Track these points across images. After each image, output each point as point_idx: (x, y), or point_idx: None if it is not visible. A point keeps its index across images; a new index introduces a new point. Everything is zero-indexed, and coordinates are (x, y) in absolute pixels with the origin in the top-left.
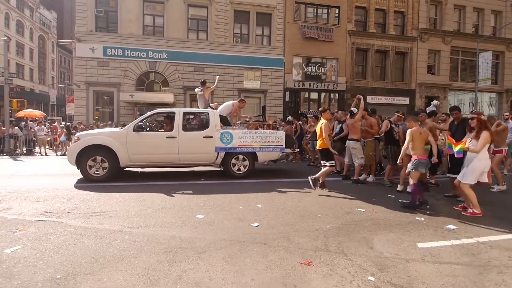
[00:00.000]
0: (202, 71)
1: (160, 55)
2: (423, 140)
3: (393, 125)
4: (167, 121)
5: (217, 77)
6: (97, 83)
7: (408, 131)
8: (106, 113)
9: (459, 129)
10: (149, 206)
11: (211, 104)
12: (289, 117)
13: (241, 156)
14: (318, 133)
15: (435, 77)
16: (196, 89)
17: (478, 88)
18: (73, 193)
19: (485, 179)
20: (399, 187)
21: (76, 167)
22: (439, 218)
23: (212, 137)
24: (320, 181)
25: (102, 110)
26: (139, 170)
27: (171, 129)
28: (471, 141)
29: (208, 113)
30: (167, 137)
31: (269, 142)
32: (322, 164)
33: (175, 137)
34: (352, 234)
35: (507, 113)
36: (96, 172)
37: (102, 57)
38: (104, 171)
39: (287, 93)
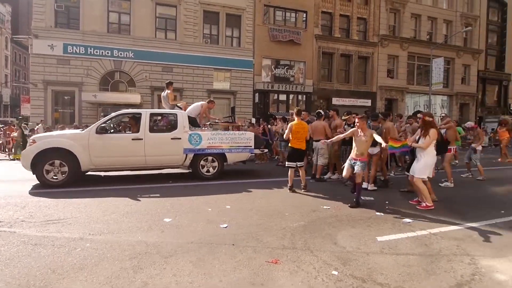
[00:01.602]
0: (170, 71)
1: (126, 54)
2: (367, 144)
3: (345, 126)
4: (133, 123)
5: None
6: (57, 82)
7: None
8: (67, 114)
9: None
10: (112, 211)
11: (179, 104)
12: (252, 119)
13: (210, 158)
14: (293, 134)
15: (394, 81)
16: (163, 93)
17: (431, 91)
18: (28, 200)
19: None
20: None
21: (31, 172)
22: (396, 212)
23: (180, 138)
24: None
25: (62, 111)
26: (102, 173)
27: (137, 131)
28: (419, 138)
29: (176, 114)
30: (132, 139)
31: (238, 143)
32: (296, 164)
33: (142, 139)
34: (317, 231)
35: (411, 119)
36: (54, 177)
37: (62, 54)
38: (63, 176)
39: (257, 94)
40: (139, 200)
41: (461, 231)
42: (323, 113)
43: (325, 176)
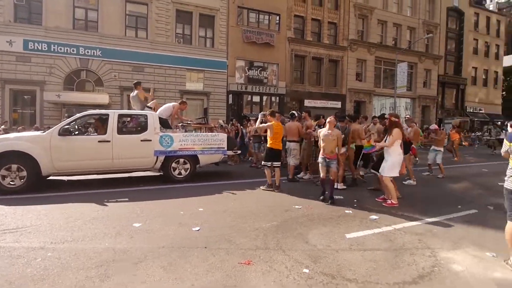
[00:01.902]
0: (141, 71)
1: (93, 52)
2: (335, 142)
3: (316, 127)
4: (100, 124)
5: (153, 87)
6: (16, 81)
7: (321, 133)
8: (27, 114)
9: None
10: (77, 217)
11: (149, 105)
12: (220, 121)
13: (182, 160)
14: (274, 134)
15: (362, 84)
16: (131, 93)
17: (396, 94)
18: None
19: (401, 171)
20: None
21: None
22: (364, 210)
23: (150, 140)
24: (277, 183)
25: (21, 111)
26: (65, 178)
27: (105, 132)
28: (386, 139)
29: (146, 115)
30: (99, 141)
31: (211, 144)
32: (271, 164)
33: (109, 141)
34: (289, 231)
35: (375, 119)
36: (11, 182)
37: (22, 51)
38: (22, 181)
39: (230, 95)
40: (106, 205)
41: (423, 226)
42: (296, 114)
43: (297, 176)
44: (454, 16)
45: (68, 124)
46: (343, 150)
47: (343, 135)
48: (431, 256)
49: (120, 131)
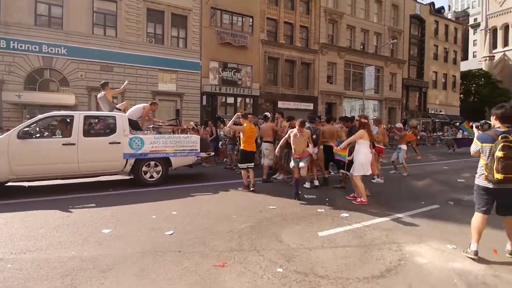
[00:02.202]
0: (110, 70)
1: (58, 50)
2: (305, 142)
3: (289, 128)
4: (64, 126)
5: (126, 82)
6: None
7: (292, 134)
8: None
9: (350, 135)
10: (40, 225)
11: (118, 106)
12: (192, 123)
13: (153, 163)
14: (246, 137)
15: (333, 86)
16: (99, 94)
17: (365, 97)
18: None
19: (370, 171)
20: (307, 184)
21: None
22: (335, 208)
23: (119, 143)
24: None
25: None
26: (26, 184)
27: (69, 135)
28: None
29: (114, 117)
30: (63, 144)
31: (183, 146)
32: (247, 166)
33: (74, 144)
34: (264, 231)
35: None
36: None
37: None
38: None
39: (204, 97)
40: (72, 212)
41: (390, 222)
42: (269, 115)
43: (272, 177)
44: (416, 24)
45: (29, 126)
46: (315, 150)
47: (314, 136)
48: (398, 251)
49: (87, 133)
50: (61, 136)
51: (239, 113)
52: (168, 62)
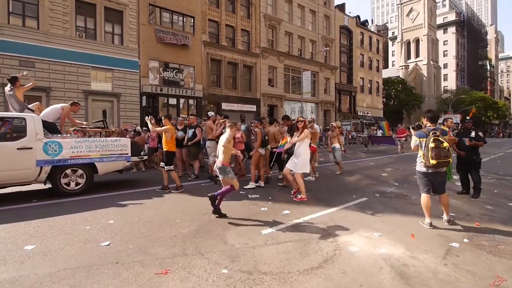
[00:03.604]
0: (32, 66)
1: None
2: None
3: (224, 130)
4: None
5: (25, 72)
6: None
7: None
8: None
9: (291, 133)
10: None
11: (30, 106)
12: (137, 127)
13: (75, 169)
14: (168, 137)
15: (274, 89)
16: (6, 88)
17: (303, 99)
18: None
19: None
20: (250, 185)
21: None
22: (278, 206)
23: (31, 148)
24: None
25: None
26: None
27: None
28: (297, 137)
29: (24, 119)
30: None
31: (111, 150)
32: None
33: None
34: (208, 234)
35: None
36: None
37: None
38: None
39: (144, 97)
40: None
41: (326, 215)
42: (211, 114)
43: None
44: (345, 34)
45: None
46: (261, 151)
47: (267, 137)
48: (333, 242)
49: None
50: None
51: (152, 117)
52: (102, 60)
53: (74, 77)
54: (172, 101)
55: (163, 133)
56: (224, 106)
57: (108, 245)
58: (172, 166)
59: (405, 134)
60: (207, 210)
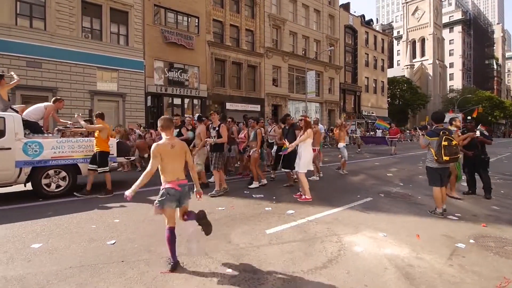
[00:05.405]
0: (39, 67)
1: None
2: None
3: (211, 129)
4: None
5: (12, 72)
6: None
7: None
8: None
9: (290, 132)
10: None
11: (15, 106)
12: (137, 131)
13: (57, 171)
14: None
15: (278, 89)
16: None
17: (307, 99)
18: None
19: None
20: (254, 184)
21: None
22: (282, 206)
23: (10, 148)
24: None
25: None
26: None
27: None
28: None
29: (3, 118)
30: None
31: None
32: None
33: None
34: (212, 233)
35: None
36: None
37: None
38: None
39: (149, 97)
40: None
41: (330, 215)
42: (202, 117)
43: (209, 181)
44: (350, 33)
45: None
46: (253, 152)
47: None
48: (338, 242)
49: None
50: None
51: (79, 114)
52: (107, 60)
53: (80, 78)
54: (177, 101)
55: (97, 132)
56: (229, 106)
57: (114, 243)
58: (108, 168)
59: (398, 135)
60: (211, 209)
